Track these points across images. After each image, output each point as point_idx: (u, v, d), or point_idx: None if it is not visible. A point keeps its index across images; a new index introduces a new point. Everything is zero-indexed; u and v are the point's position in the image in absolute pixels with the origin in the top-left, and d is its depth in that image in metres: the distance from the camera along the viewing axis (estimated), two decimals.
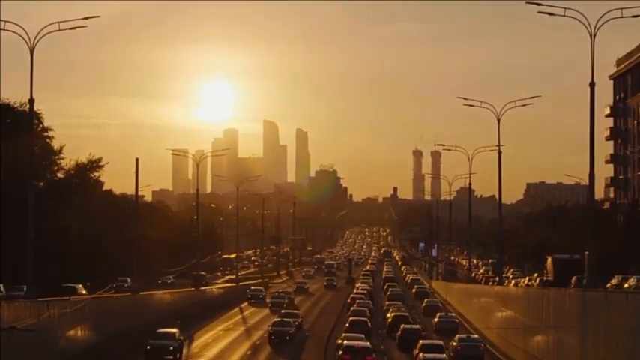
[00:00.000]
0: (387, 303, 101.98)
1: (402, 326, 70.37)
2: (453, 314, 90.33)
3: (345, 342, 58.85)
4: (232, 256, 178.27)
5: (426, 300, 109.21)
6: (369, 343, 59.22)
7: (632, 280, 56.01)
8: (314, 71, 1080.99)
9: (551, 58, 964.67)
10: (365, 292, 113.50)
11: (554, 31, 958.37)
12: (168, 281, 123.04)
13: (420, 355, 54.18)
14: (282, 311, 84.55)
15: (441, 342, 61.78)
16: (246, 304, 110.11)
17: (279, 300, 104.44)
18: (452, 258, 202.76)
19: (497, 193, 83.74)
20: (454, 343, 62.54)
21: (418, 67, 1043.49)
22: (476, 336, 69.10)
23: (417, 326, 73.04)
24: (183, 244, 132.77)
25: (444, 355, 54.81)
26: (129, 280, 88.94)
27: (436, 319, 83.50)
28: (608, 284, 58.10)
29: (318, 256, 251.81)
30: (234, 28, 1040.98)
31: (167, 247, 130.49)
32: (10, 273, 65.69)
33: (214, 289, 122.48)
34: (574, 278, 65.95)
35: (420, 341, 60.18)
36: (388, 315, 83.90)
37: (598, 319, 42.15)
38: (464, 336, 65.87)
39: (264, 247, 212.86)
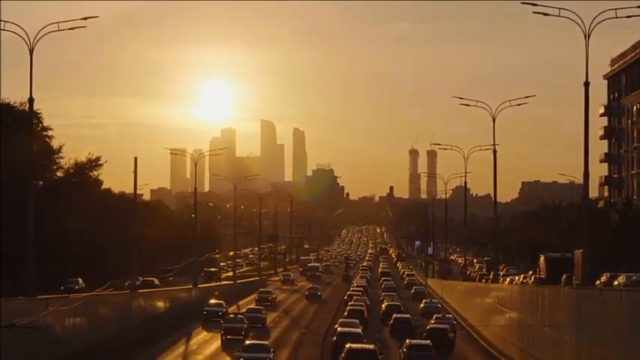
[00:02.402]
0: (383, 294, 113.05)
1: (394, 316, 77.71)
2: (436, 300, 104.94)
3: (339, 329, 63.43)
4: (217, 255, 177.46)
5: (414, 288, 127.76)
6: (360, 330, 63.73)
7: (621, 278, 56.57)
8: (311, 71, 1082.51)
9: (546, 58, 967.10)
10: (362, 289, 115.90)
11: (549, 32, 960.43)
12: (137, 283, 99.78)
13: (407, 341, 58.56)
14: (247, 342, 57.97)
15: (446, 326, 69.86)
16: (199, 328, 78.32)
17: (234, 325, 69.54)
18: (446, 256, 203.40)
19: (493, 192, 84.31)
20: (432, 322, 74.62)
21: (414, 67, 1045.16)
22: (450, 316, 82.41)
23: (408, 315, 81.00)
24: (182, 242, 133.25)
25: (429, 341, 59.30)
26: (80, 281, 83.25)
27: (422, 305, 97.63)
28: (598, 282, 58.69)
29: (304, 257, 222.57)
30: (233, 28, 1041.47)
31: (165, 246, 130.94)
32: (10, 272, 66.20)
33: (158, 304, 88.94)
34: (564, 276, 67.36)
35: (428, 327, 69.26)
36: (383, 305, 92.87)
37: (593, 317, 42.53)
38: (440, 315, 79.69)
39: (263, 246, 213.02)
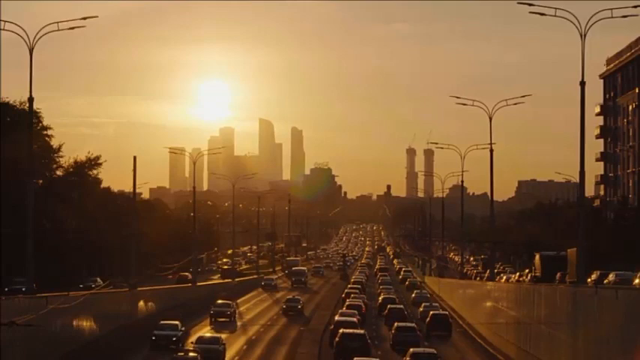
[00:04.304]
0: (380, 288, 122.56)
1: (388, 306, 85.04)
2: (426, 291, 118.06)
3: (337, 318, 70.35)
4: (203, 255, 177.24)
5: (408, 280, 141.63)
6: (355, 319, 69.16)
7: (611, 276, 56.87)
8: (309, 70, 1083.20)
9: (543, 58, 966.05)
10: (359, 286, 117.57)
11: (545, 31, 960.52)
12: (93, 285, 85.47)
13: (395, 324, 67.73)
14: None
15: (446, 312, 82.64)
16: None
17: None
18: (443, 254, 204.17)
19: (489, 191, 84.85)
20: (421, 309, 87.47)
21: (412, 66, 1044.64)
22: (436, 304, 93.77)
23: (401, 306, 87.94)
24: (181, 241, 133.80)
25: (414, 324, 70.14)
26: (23, 282, 78.32)
27: (413, 295, 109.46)
28: (589, 280, 59.05)
29: (290, 258, 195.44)
30: (231, 27, 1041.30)
31: (164, 245, 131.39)
32: (10, 270, 66.53)
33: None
34: (558, 274, 68.16)
35: (431, 312, 78.52)
36: (379, 298, 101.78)
37: (589, 314, 42.84)
38: (428, 304, 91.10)
39: (261, 244, 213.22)
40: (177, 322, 66.28)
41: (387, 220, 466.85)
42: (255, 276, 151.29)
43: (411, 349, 54.26)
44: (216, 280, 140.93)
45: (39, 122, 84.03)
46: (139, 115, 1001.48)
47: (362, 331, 60.87)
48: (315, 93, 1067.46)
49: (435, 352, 55.39)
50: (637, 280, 52.62)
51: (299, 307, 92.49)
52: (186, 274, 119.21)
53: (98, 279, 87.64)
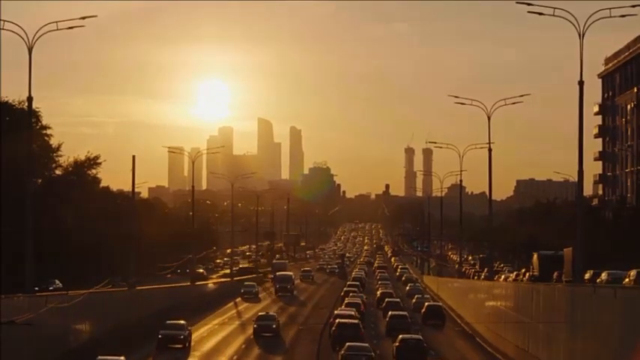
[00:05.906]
0: (379, 283, 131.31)
1: (386, 300, 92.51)
2: (419, 285, 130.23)
3: (336, 312, 75.59)
4: (201, 255, 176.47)
5: (405, 276, 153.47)
6: (353, 312, 73.94)
7: (603, 275, 57.05)
8: (308, 70, 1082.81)
9: (541, 58, 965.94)
10: (358, 283, 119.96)
11: (543, 31, 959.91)
12: (51, 287, 78.61)
13: (390, 312, 76.64)
14: None
15: (440, 303, 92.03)
16: None
17: None
18: (442, 253, 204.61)
19: (488, 190, 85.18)
20: (414, 300, 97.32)
21: (410, 65, 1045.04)
22: (428, 296, 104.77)
23: (398, 299, 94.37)
24: (179, 240, 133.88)
25: (406, 312, 79.04)
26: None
27: (407, 288, 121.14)
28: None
29: (277, 260, 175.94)
30: (230, 27, 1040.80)
31: (163, 244, 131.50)
32: (9, 270, 66.62)
33: None
34: (555, 273, 68.70)
35: (426, 303, 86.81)
36: (378, 292, 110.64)
37: (587, 314, 42.97)
38: (420, 295, 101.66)
39: (260, 243, 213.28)
40: (121, 358, 49.05)
41: (385, 220, 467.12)
42: (254, 275, 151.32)
43: (400, 335, 60.54)
44: (215, 278, 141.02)
45: (38, 122, 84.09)
46: (139, 114, 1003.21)
47: (356, 321, 66.79)
48: (314, 93, 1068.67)
49: (421, 337, 61.05)
50: (626, 279, 52.79)
51: (274, 326, 71.23)
52: (201, 270, 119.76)
53: (57, 281, 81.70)
